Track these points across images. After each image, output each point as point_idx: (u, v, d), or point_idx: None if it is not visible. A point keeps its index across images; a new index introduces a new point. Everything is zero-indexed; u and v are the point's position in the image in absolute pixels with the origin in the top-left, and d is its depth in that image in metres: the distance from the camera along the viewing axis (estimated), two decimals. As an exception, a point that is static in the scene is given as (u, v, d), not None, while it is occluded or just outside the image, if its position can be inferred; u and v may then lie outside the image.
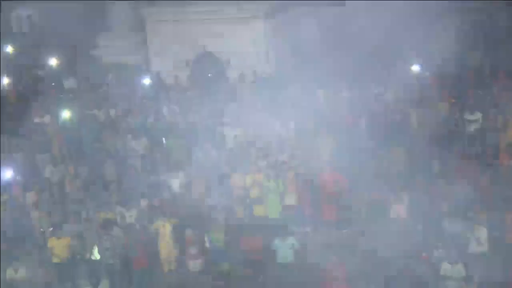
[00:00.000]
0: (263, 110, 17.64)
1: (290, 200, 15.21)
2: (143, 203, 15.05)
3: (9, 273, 13.64)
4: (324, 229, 15.24)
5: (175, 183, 15.70)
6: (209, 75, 20.24)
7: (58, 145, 17.43)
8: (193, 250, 14.35)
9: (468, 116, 15.93)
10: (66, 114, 18.50)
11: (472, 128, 15.94)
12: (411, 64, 18.54)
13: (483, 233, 13.71)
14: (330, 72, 19.43)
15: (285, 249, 14.34)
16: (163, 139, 17.26)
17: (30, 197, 15.38)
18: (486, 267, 13.69)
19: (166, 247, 14.41)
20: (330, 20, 20.44)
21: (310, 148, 16.15)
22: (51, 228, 14.61)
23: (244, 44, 20.38)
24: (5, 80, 21.53)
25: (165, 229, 14.39)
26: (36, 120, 18.55)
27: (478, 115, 15.86)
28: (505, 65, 17.93)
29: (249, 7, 20.22)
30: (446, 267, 13.47)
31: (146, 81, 20.52)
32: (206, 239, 14.40)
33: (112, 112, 18.60)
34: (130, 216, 14.80)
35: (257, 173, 15.36)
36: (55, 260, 13.92)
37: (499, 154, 15.41)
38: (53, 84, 21.38)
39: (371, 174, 15.68)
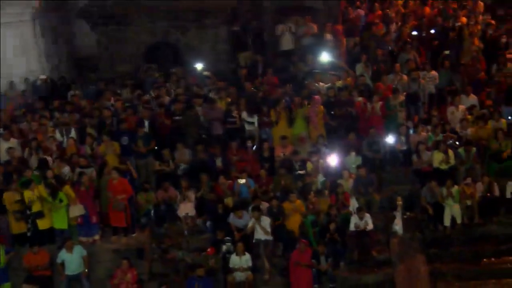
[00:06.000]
0: (39, 118, 16.77)
1: (77, 210, 14.68)
2: None
3: None
4: (113, 236, 14.99)
5: None
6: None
7: None
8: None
9: (247, 118, 16.68)
10: None
11: (250, 127, 16.69)
12: (190, 65, 18.95)
13: (267, 222, 14.50)
14: (110, 74, 19.17)
15: (73, 259, 13.92)
16: None
17: None
18: (272, 253, 14.56)
19: None
20: (102, 21, 19.99)
21: (94, 155, 15.72)
22: None
23: (13, 50, 19.19)
24: None
25: None
26: None
27: (255, 118, 16.70)
28: (272, 63, 19.09)
29: (13, 10, 19.00)
30: (234, 259, 14.05)
31: None
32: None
33: None
34: None
35: (38, 186, 14.59)
36: None
37: (275, 147, 16.35)
38: None
39: (157, 175, 15.77)
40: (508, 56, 17.98)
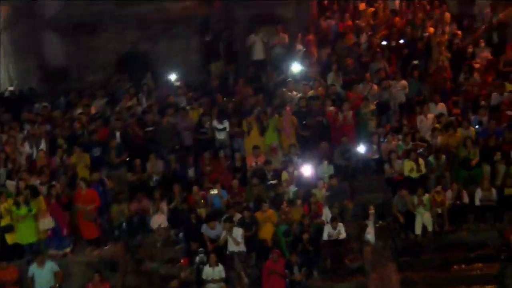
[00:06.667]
0: (8, 130, 16.55)
1: (46, 223, 14.50)
2: None
3: None
4: (85, 248, 14.86)
5: None
6: None
7: None
8: None
9: (217, 125, 16.69)
10: None
11: (221, 136, 16.71)
12: (162, 76, 18.91)
13: (238, 233, 14.50)
14: (80, 85, 19.03)
15: (43, 274, 13.74)
16: None
17: None
18: (244, 264, 14.56)
19: None
20: (71, 31, 19.82)
21: (64, 167, 15.58)
22: None
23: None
24: None
25: None
26: None
27: (225, 124, 16.72)
28: (244, 73, 19.17)
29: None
30: (207, 271, 14.02)
31: None
32: None
33: None
34: None
35: (6, 200, 14.39)
36: None
37: (247, 157, 16.37)
38: None
39: (130, 187, 15.69)
40: (475, 65, 18.32)
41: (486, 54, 18.63)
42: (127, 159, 16.05)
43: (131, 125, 16.55)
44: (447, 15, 19.94)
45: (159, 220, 15.04)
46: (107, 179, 15.53)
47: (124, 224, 15.12)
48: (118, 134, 16.36)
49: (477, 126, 16.49)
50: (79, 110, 17.32)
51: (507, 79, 17.52)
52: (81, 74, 19.77)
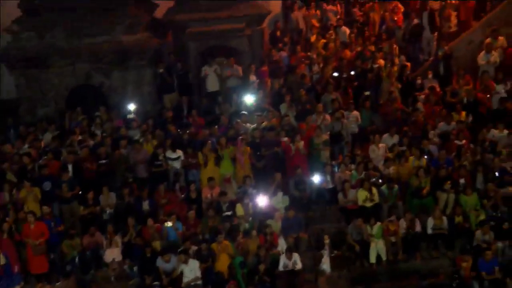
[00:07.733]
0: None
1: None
2: None
3: None
4: (35, 285, 14.48)
5: None
6: None
7: None
8: None
9: (171, 155, 16.62)
10: None
11: (175, 165, 16.64)
12: (116, 108, 18.77)
13: (194, 265, 14.37)
14: (30, 119, 18.75)
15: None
16: None
17: None
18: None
19: None
20: (22, 64, 19.49)
21: (13, 202, 15.23)
22: None
23: None
24: None
25: None
26: None
27: (179, 153, 16.67)
28: (198, 105, 19.20)
29: None
30: (163, 305, 13.83)
31: None
32: None
33: None
34: None
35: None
36: None
37: (202, 189, 16.31)
38: None
39: (82, 221, 15.40)
40: (421, 96, 18.78)
41: (434, 85, 19.12)
42: (80, 192, 15.78)
43: (83, 158, 16.33)
44: (395, 47, 20.46)
45: (113, 254, 14.79)
46: (59, 214, 15.25)
47: (76, 258, 14.81)
48: (70, 167, 16.10)
49: (425, 156, 16.83)
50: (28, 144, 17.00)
51: (454, 109, 18.03)
52: (31, 108, 19.47)
